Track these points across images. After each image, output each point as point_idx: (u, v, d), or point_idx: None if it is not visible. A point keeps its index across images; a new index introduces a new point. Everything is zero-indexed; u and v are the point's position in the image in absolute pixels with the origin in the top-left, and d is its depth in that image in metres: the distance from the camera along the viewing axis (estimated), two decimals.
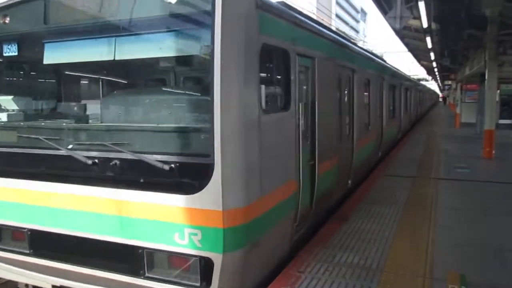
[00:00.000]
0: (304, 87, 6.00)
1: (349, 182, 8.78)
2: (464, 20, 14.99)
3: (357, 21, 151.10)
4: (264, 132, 4.45)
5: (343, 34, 12.83)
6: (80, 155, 4.45)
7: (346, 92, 8.39)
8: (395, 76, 16.95)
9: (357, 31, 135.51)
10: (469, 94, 27.99)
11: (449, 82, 45.38)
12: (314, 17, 10.65)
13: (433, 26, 16.94)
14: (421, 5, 12.99)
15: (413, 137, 20.88)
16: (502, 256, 5.68)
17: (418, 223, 7.01)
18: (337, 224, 6.96)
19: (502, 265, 5.41)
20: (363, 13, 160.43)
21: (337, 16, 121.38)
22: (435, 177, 10.92)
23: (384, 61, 17.00)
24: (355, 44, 11.09)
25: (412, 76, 33.59)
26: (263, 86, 4.55)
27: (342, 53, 8.14)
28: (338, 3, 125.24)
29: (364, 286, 4.78)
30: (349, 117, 8.70)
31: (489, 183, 10.38)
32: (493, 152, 14.17)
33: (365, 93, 10.29)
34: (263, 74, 4.56)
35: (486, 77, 14.61)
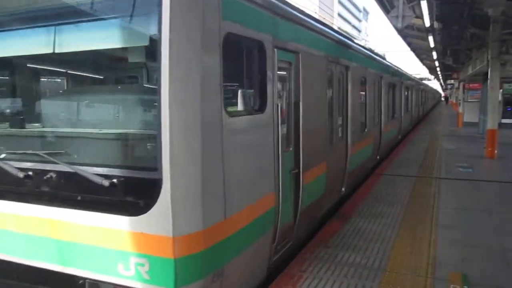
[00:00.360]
0: (286, 85, 5.38)
1: (343, 189, 8.19)
2: (467, 19, 14.95)
3: (359, 20, 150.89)
4: (229, 138, 3.75)
5: (335, 28, 11.79)
6: (12, 166, 3.76)
7: (338, 91, 7.70)
8: (395, 75, 16.30)
9: (359, 30, 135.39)
10: (472, 93, 27.92)
11: (452, 81, 45.29)
12: (317, 16, 10.16)
13: (436, 25, 16.89)
14: (423, 4, 12.95)
15: (414, 137, 20.83)
16: (504, 256, 5.67)
17: (420, 222, 7.00)
18: (339, 223, 6.96)
19: (505, 265, 5.39)
20: (365, 12, 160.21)
21: (339, 15, 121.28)
22: (437, 176, 10.90)
23: (384, 58, 16.43)
24: (349, 39, 10.18)
25: (414, 75, 33.35)
26: (228, 84, 3.96)
27: (333, 48, 7.38)
28: (340, 3, 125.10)
29: (366, 285, 4.78)
30: (343, 119, 8.02)
31: (492, 182, 10.35)
32: (496, 151, 14.12)
33: (361, 92, 9.63)
34: (228, 70, 3.88)
35: (489, 76, 14.56)
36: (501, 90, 21.36)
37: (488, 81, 14.77)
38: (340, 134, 7.86)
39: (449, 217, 7.32)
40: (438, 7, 14.14)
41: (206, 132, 3.48)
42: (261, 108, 4.48)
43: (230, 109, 3.89)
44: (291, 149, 5.39)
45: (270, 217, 4.70)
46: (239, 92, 4.36)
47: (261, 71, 4.50)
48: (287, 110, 5.36)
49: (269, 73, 4.56)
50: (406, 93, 19.86)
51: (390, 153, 15.06)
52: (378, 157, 12.45)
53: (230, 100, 4.07)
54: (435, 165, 12.64)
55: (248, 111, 4.41)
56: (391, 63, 17.16)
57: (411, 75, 27.58)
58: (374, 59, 12.10)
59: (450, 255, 5.64)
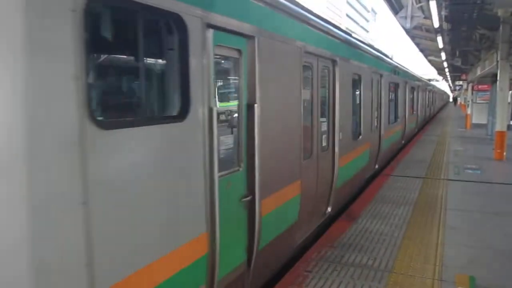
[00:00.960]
0: (232, 81, 4.19)
1: (329, 209, 6.88)
2: (476, 20, 14.85)
3: (367, 21, 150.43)
4: (102, 164, 2.39)
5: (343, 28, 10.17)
6: None
7: (321, 90, 6.39)
8: (399, 73, 14.89)
9: (367, 31, 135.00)
10: (480, 94, 27.73)
11: (460, 83, 45.03)
12: (325, 16, 9.18)
13: (445, 26, 16.80)
14: (432, 5, 12.89)
15: (421, 138, 20.71)
16: None
17: (427, 224, 6.96)
18: (346, 223, 6.94)
19: None
20: (373, 12, 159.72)
21: (348, 16, 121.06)
22: (445, 178, 10.83)
23: (387, 56, 14.99)
24: (339, 28, 8.26)
25: (421, 76, 32.96)
26: (109, 78, 2.89)
27: (312, 36, 5.93)
28: (348, 3, 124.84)
29: (372, 286, 4.76)
30: (328, 124, 6.77)
31: (500, 184, 10.26)
32: (505, 153, 14.02)
33: (354, 93, 8.30)
34: (109, 55, 2.74)
35: (498, 77, 14.47)
36: (510, 91, 21.18)
37: (497, 82, 14.68)
38: (324, 143, 6.59)
39: (457, 219, 7.27)
40: (447, 8, 14.07)
41: (40, 158, 2.06)
42: (181, 115, 3.09)
43: (105, 117, 2.59)
44: (240, 169, 4.02)
45: (199, 271, 3.36)
46: (130, 90, 3.10)
47: (181, 60, 3.09)
48: (237, 116, 4.06)
49: (194, 63, 3.16)
50: (411, 94, 18.77)
51: (392, 159, 13.86)
52: (377, 166, 11.21)
53: (110, 102, 2.84)
54: (443, 166, 12.56)
55: (149, 119, 3.06)
56: (394, 61, 15.96)
57: (417, 75, 26.89)
58: (372, 54, 10.53)
59: (458, 257, 5.60)
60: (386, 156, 12.76)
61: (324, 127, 6.61)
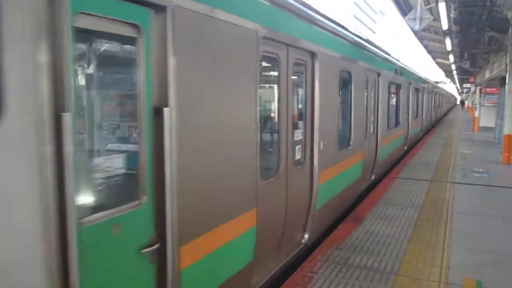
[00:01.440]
0: (125, 73, 3.19)
1: (305, 237, 5.73)
2: (485, 22, 14.77)
3: (375, 22, 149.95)
4: None
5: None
6: None
7: (293, 90, 5.28)
8: (401, 73, 13.51)
9: (374, 32, 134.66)
10: (488, 97, 27.60)
11: (468, 85, 44.78)
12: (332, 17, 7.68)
13: (453, 28, 16.72)
14: (442, 7, 12.83)
15: (428, 141, 20.61)
16: None
17: (434, 227, 6.92)
18: (351, 225, 6.93)
19: None
20: (381, 14, 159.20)
21: (355, 17, 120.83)
22: (452, 181, 10.77)
23: (388, 53, 13.44)
24: (320, 13, 6.53)
25: (427, 78, 32.54)
26: None
27: (277, 18, 4.59)
28: (356, 4, 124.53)
29: None
30: (305, 132, 5.59)
31: (507, 188, 10.19)
32: None
33: (342, 94, 7.13)
34: None
35: (507, 80, 14.38)
36: None
37: (506, 85, 14.58)
38: (298, 156, 5.42)
39: (463, 222, 7.23)
40: (456, 10, 13.99)
41: None
42: None
43: None
44: (141, 203, 2.78)
45: None
46: None
47: None
48: (129, 123, 3.00)
49: (18, 43, 1.94)
50: (415, 96, 17.31)
51: (392, 167, 12.73)
52: (373, 177, 9.98)
53: None
54: (450, 169, 12.50)
55: None
56: (396, 59, 14.20)
57: (423, 76, 24.89)
58: (367, 48, 9.04)
59: (464, 261, 5.57)
60: (385, 165, 11.59)
61: (299, 136, 5.41)
